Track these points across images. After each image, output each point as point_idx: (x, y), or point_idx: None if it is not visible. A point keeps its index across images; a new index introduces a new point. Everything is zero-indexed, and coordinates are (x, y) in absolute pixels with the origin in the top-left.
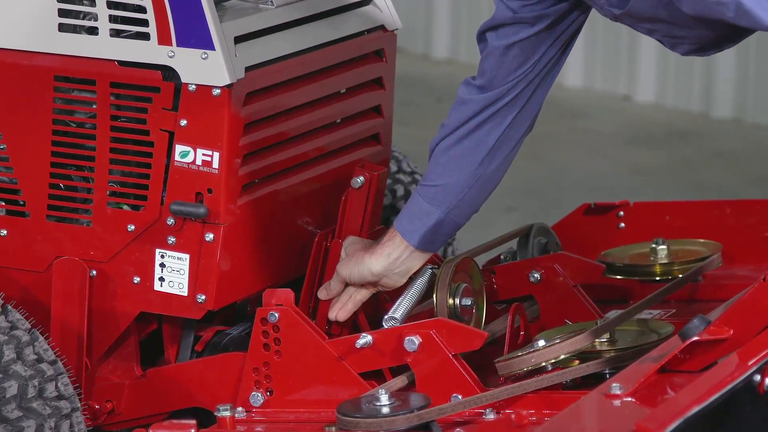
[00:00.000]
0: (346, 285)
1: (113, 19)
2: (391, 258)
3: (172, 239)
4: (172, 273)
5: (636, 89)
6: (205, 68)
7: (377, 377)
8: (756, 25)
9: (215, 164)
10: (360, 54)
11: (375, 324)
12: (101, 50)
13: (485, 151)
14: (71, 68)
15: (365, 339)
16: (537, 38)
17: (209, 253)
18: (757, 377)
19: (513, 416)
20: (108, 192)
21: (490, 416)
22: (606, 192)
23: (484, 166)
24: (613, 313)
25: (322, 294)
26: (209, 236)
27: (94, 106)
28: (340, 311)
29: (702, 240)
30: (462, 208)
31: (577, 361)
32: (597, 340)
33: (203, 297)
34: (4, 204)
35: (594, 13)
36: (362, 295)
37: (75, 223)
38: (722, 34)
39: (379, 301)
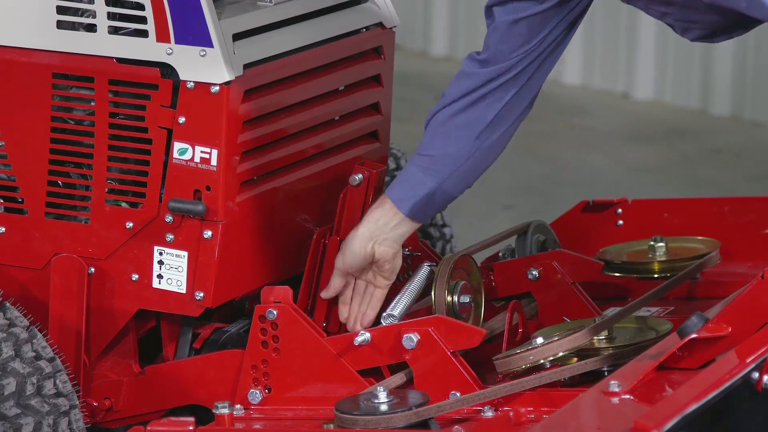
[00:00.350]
0: (345, 282)
1: (111, 16)
2: (379, 223)
3: (170, 236)
4: (171, 270)
5: (634, 86)
6: (204, 65)
7: (375, 375)
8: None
9: (213, 161)
10: (358, 51)
11: (373, 321)
12: (99, 47)
13: (483, 124)
14: (69, 65)
15: (363, 336)
16: (545, 15)
17: (207, 250)
18: (756, 374)
19: (511, 414)
20: (106, 189)
21: (489, 414)
22: (604, 189)
23: (481, 139)
24: (611, 311)
25: (326, 293)
26: (207, 233)
27: (92, 104)
28: (363, 318)
29: (700, 237)
30: (456, 179)
31: (575, 359)
32: (595, 337)
33: (201, 294)
34: (2, 201)
35: (592, 11)
36: (378, 294)
37: (73, 221)
38: (733, 21)
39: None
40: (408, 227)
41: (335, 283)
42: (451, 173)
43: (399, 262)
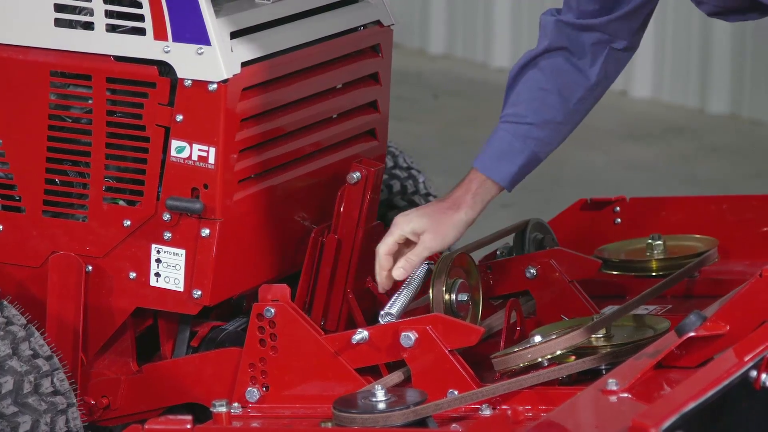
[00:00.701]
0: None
1: (109, 14)
2: (484, 203)
3: (168, 235)
4: (168, 268)
5: (632, 85)
6: (201, 63)
7: (373, 373)
8: None
9: (211, 159)
10: (356, 49)
11: (371, 320)
12: (97, 45)
13: (584, 88)
14: (67, 63)
15: (361, 335)
16: None
17: (205, 248)
18: (754, 373)
19: (509, 412)
20: (104, 187)
21: (487, 412)
22: (602, 187)
23: (582, 101)
24: (609, 309)
25: (400, 273)
26: (205, 232)
27: (89, 102)
28: (408, 264)
29: (698, 235)
30: (551, 144)
31: (573, 357)
32: (593, 335)
33: (199, 292)
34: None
35: None
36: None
37: (71, 219)
38: (745, 4)
39: (376, 296)
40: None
41: (417, 262)
42: (547, 138)
43: None
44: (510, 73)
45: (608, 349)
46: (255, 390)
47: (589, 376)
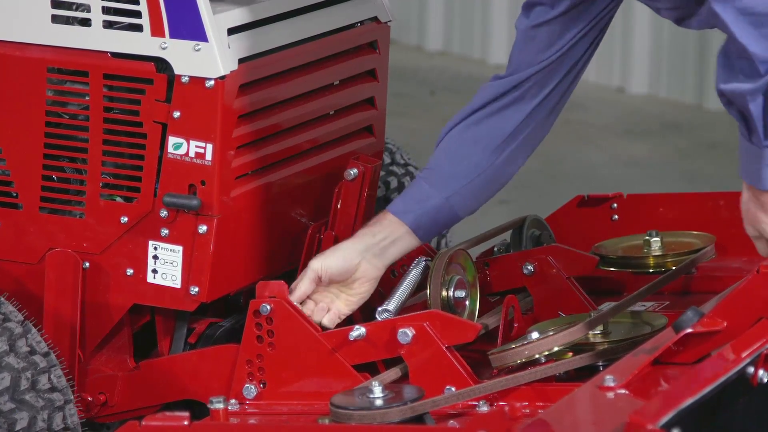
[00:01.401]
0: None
1: (106, 10)
2: (377, 237)
3: (165, 231)
4: (166, 265)
5: (629, 81)
6: (198, 60)
7: (370, 369)
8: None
9: (208, 156)
10: (353, 46)
11: (368, 316)
12: (94, 42)
13: (501, 137)
14: (64, 60)
15: (359, 331)
16: (563, 21)
17: (202, 244)
18: (751, 369)
19: (506, 408)
20: (101, 184)
21: (484, 408)
22: (599, 184)
23: (496, 153)
24: (606, 305)
25: (293, 297)
26: (202, 228)
27: (86, 98)
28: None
29: (695, 232)
30: (465, 196)
31: (570, 353)
32: (590, 332)
33: (196, 289)
34: None
35: None
36: (326, 322)
37: (68, 215)
38: (697, 3)
39: (373, 293)
40: (404, 245)
41: (305, 287)
42: (461, 188)
43: (369, 293)
44: (444, 129)
45: (605, 346)
46: (252, 387)
47: (587, 372)
